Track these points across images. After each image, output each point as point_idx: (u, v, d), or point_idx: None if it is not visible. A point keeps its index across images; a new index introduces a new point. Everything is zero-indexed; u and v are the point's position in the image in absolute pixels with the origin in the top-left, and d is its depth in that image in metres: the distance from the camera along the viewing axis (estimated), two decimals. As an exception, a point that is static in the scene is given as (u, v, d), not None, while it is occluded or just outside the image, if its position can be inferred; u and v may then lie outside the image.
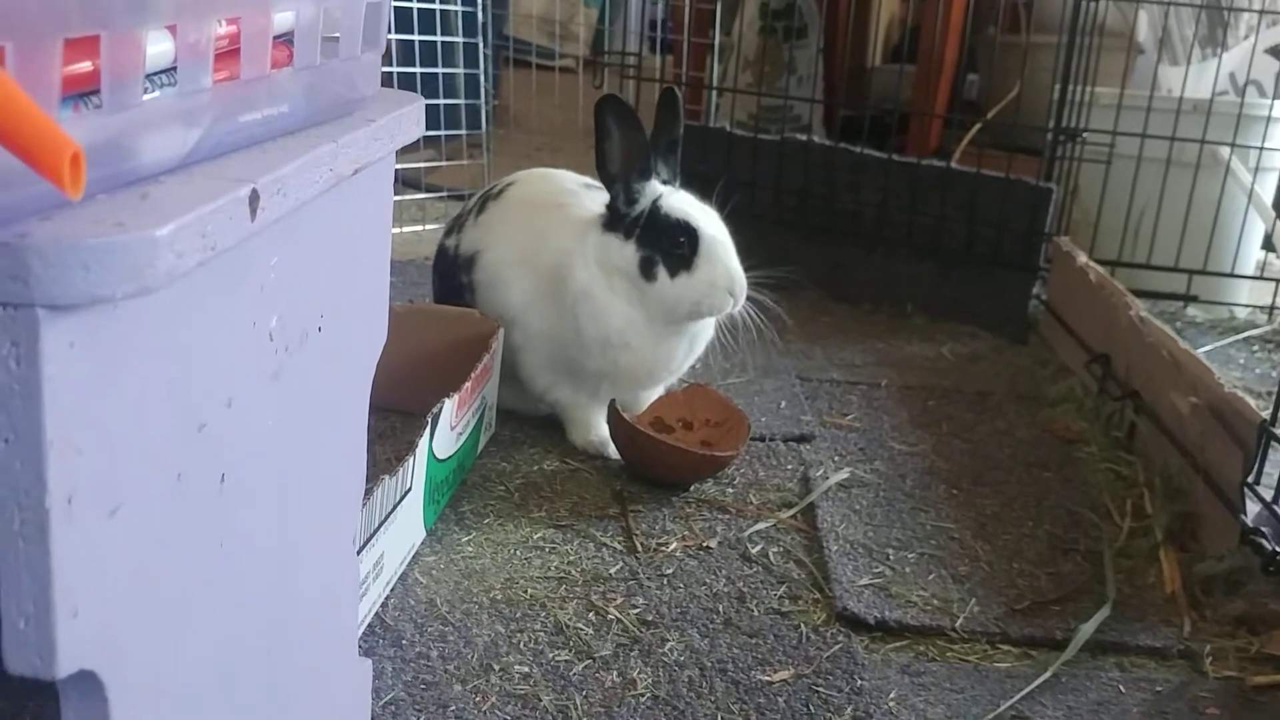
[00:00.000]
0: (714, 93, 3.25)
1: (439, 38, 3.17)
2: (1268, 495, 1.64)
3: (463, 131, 3.32)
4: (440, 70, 3.17)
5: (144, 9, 0.60)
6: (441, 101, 3.17)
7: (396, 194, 3.21)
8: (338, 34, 0.85)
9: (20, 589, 0.60)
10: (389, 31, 2.92)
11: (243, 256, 0.72)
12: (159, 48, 0.64)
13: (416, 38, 3.12)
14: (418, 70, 3.11)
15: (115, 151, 0.62)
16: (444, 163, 3.39)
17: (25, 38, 0.52)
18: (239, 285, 0.74)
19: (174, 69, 0.66)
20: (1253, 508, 1.65)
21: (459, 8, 3.26)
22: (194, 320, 0.69)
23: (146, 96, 0.63)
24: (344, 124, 0.84)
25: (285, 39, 0.78)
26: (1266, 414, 1.67)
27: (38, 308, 0.55)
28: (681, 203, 1.84)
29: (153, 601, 0.71)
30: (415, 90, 3.04)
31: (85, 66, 0.59)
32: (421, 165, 3.37)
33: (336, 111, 0.85)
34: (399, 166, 3.25)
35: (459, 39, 3.25)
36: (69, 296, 0.56)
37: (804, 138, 2.91)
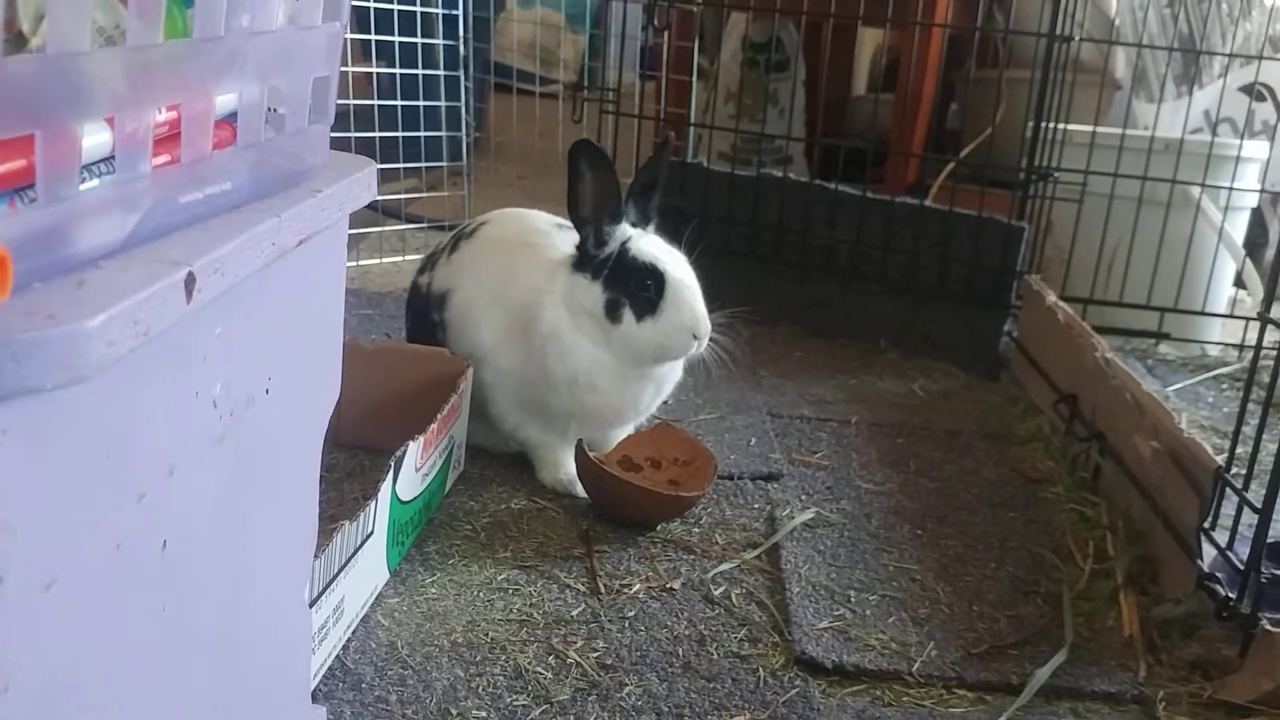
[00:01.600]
0: (693, 129, 3.27)
1: (420, 71, 3.19)
2: (1223, 540, 1.66)
3: (444, 163, 3.35)
4: (422, 103, 3.20)
5: (79, 105, 0.62)
6: (422, 134, 3.20)
7: (378, 224, 3.25)
8: (283, 108, 0.87)
9: (-49, 666, 0.62)
10: (372, 64, 2.94)
11: (182, 332, 0.74)
12: (96, 139, 0.66)
13: (398, 70, 3.15)
14: (399, 103, 3.14)
15: (51, 242, 0.64)
16: (425, 194, 3.41)
17: (-44, 143, 0.54)
18: (180, 358, 0.76)
19: (112, 157, 0.68)
20: (1209, 552, 1.67)
21: (442, 41, 3.29)
22: (132, 396, 0.71)
23: (84, 186, 0.66)
24: (289, 196, 0.86)
25: (229, 117, 0.80)
26: (1222, 459, 1.70)
27: (-32, 399, 0.57)
28: (650, 246, 1.86)
29: (92, 670, 0.73)
30: (397, 121, 3.07)
31: (19, 163, 0.61)
32: (402, 196, 3.39)
33: (283, 184, 0.87)
34: (380, 197, 3.28)
35: (441, 72, 3.27)
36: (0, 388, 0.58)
37: (780, 174, 2.94)
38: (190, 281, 0.69)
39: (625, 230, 1.87)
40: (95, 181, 0.67)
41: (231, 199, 0.80)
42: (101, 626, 0.73)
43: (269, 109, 0.84)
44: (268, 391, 0.91)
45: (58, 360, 0.59)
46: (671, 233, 1.96)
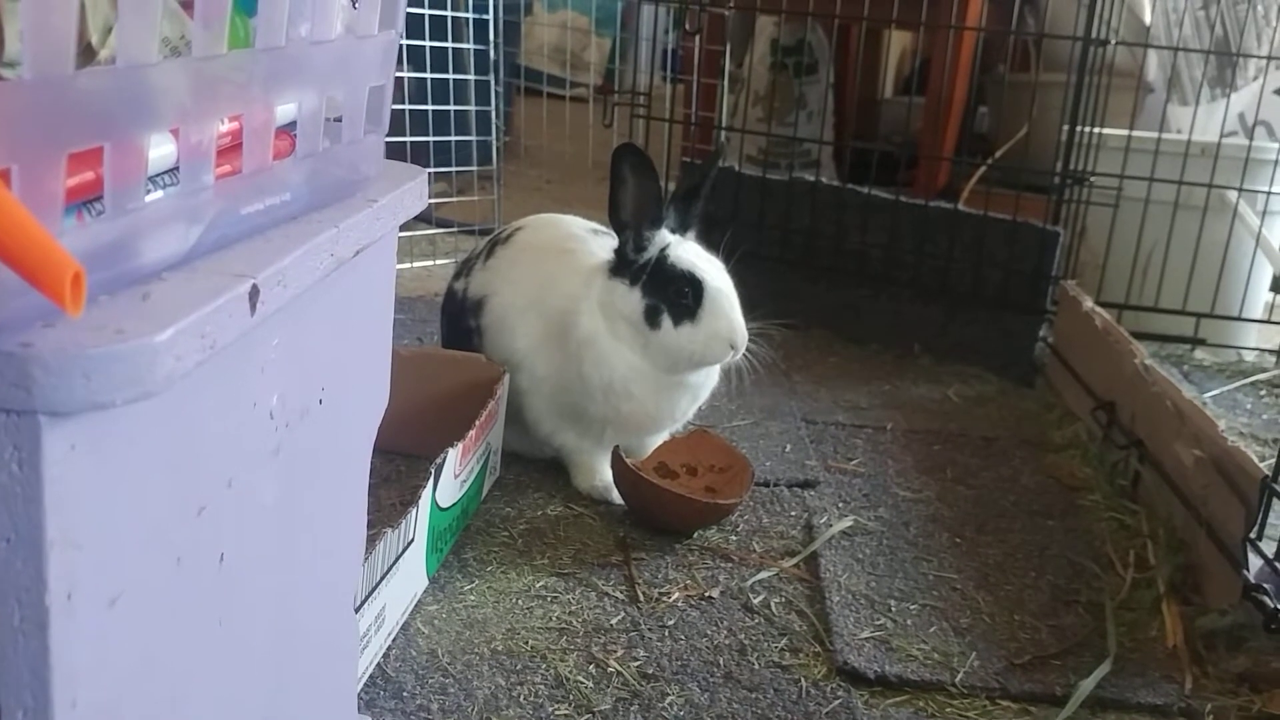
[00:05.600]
0: (723, 132, 3.26)
1: (451, 75, 3.19)
2: (1270, 551, 1.63)
3: (474, 168, 3.35)
4: (452, 108, 3.20)
5: (146, 118, 0.61)
6: (453, 138, 3.20)
7: (407, 229, 3.24)
8: (340, 116, 0.86)
9: (20, 683, 0.61)
10: (402, 69, 2.94)
11: (243, 344, 0.73)
12: (161, 150, 0.66)
13: (429, 75, 3.15)
14: (429, 108, 3.14)
15: (117, 254, 0.63)
16: (455, 198, 3.41)
17: (30, 158, 0.54)
18: (239, 370, 0.76)
19: (176, 169, 0.67)
20: (1255, 563, 1.65)
21: (472, 46, 3.29)
22: (194, 408, 0.71)
23: (149, 198, 0.65)
24: (346, 206, 0.86)
25: (287, 128, 0.79)
26: (1267, 466, 1.67)
27: (40, 414, 0.57)
28: (688, 253, 1.85)
29: (153, 684, 0.72)
30: (428, 126, 3.07)
31: (88, 176, 0.60)
32: (432, 200, 3.39)
33: (339, 194, 0.87)
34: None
35: (471, 77, 3.27)
36: (70, 404, 0.57)
37: (812, 178, 2.92)
38: (254, 294, 0.68)
39: (664, 236, 1.86)
40: (159, 193, 0.67)
41: (290, 210, 0.80)
42: (162, 641, 0.72)
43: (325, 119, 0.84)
44: (321, 402, 0.90)
45: (127, 375, 0.59)
46: (703, 237, 1.95)
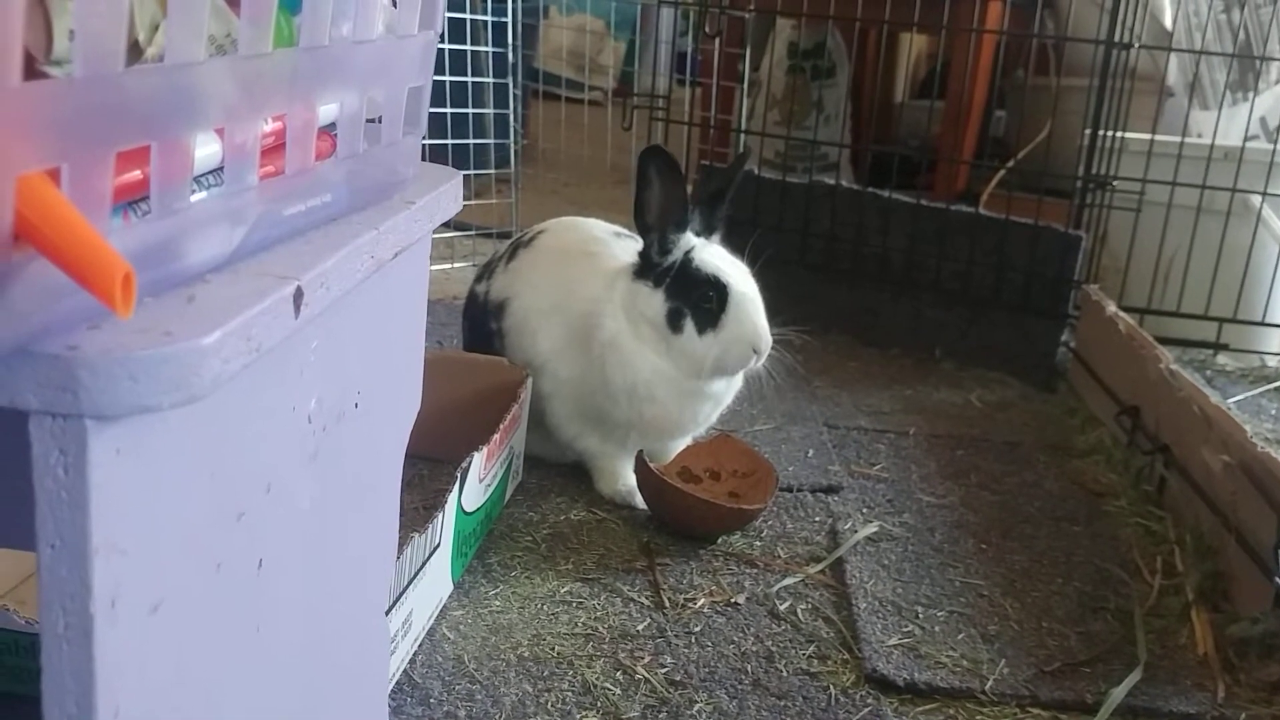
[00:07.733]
0: (742, 135, 3.25)
1: (469, 78, 3.19)
2: (1302, 558, 1.62)
3: (491, 171, 3.34)
4: (470, 111, 3.19)
5: (193, 116, 0.60)
6: (471, 141, 3.19)
7: (425, 232, 3.24)
8: (378, 117, 0.85)
9: (63, 691, 0.60)
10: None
11: (285, 348, 0.72)
12: (206, 150, 0.65)
13: (448, 78, 3.14)
14: (448, 110, 3.13)
15: (163, 255, 0.62)
16: (473, 201, 3.41)
17: (80, 156, 0.53)
18: (280, 373, 0.75)
19: (220, 169, 0.66)
20: (1286, 570, 1.64)
21: (489, 49, 3.28)
22: (236, 413, 0.70)
23: (194, 198, 0.64)
24: (385, 208, 0.85)
25: (328, 128, 0.78)
26: (1300, 474, 1.66)
27: (86, 418, 0.56)
28: (713, 257, 1.84)
29: (191, 691, 0.71)
30: (446, 129, 3.05)
31: (135, 175, 0.59)
32: (450, 203, 3.38)
33: (377, 195, 0.86)
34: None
35: (489, 79, 3.27)
36: (116, 407, 0.56)
37: (831, 181, 2.91)
38: (298, 296, 0.67)
39: (689, 239, 1.85)
40: (204, 194, 0.66)
41: (330, 211, 0.79)
42: (201, 649, 0.71)
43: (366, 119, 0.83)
44: (357, 405, 0.89)
45: (174, 378, 0.58)
46: (724, 240, 1.94)
